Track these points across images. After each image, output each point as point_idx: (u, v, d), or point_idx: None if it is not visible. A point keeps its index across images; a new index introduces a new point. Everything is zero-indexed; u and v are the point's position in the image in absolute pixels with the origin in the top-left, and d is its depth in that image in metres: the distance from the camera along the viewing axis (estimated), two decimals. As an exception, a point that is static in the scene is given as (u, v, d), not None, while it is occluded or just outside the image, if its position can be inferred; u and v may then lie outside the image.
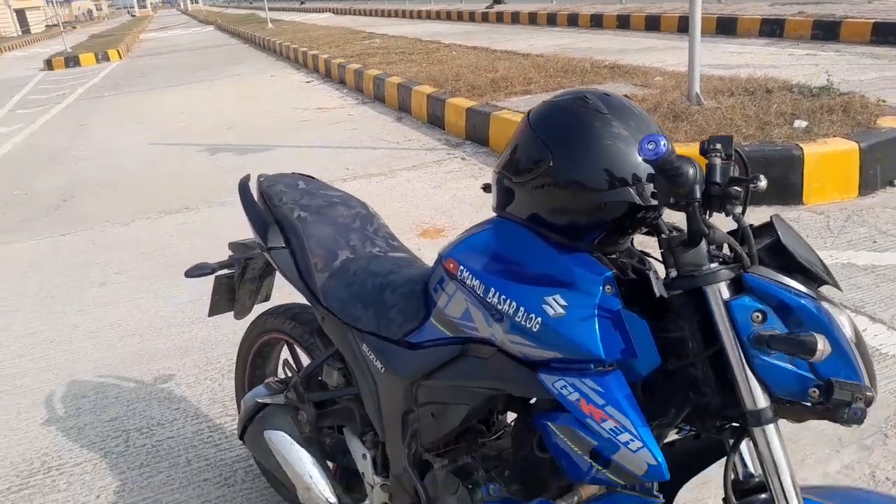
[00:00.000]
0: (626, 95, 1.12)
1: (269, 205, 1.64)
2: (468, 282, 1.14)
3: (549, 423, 1.06)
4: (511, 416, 1.33)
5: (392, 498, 1.47)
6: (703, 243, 0.98)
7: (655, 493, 1.03)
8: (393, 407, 1.37)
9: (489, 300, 1.10)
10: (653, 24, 12.78)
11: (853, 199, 3.82)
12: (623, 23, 13.61)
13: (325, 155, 6.02)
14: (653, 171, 0.96)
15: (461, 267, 1.15)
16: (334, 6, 36.71)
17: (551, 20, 15.88)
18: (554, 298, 1.03)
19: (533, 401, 1.20)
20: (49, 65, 17.94)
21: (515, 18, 17.37)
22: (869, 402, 0.90)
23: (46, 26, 51.04)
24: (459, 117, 6.11)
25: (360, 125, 7.18)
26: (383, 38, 13.93)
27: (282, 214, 1.60)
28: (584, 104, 1.06)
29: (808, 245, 1.03)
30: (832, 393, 0.90)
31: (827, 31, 9.57)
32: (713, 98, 4.82)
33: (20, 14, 43.85)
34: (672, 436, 1.16)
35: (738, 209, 0.95)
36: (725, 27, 11.20)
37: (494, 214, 1.19)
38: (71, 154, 7.24)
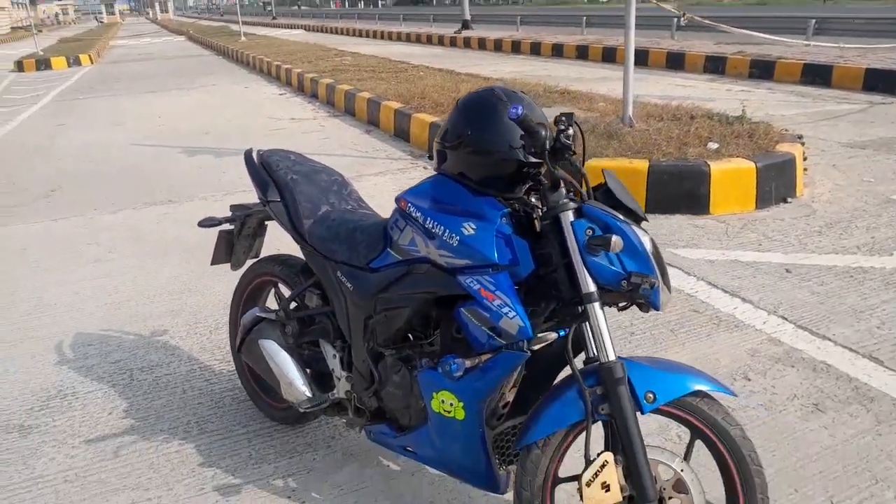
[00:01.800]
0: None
1: (267, 170, 2.18)
2: (414, 214, 1.70)
3: (463, 309, 1.62)
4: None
5: (353, 386, 2.01)
6: (563, 189, 1.55)
7: (525, 349, 1.58)
8: (358, 315, 1.92)
9: (427, 226, 1.66)
10: (609, 55, 13.67)
11: (751, 211, 4.50)
12: (582, 53, 14.50)
13: (297, 160, 6.53)
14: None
15: (409, 205, 1.71)
16: (306, 23, 37.39)
17: (515, 48, 16.74)
18: (468, 224, 1.60)
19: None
20: (20, 66, 18.11)
21: (482, 45, 18.20)
22: (653, 286, 1.48)
23: (11, 28, 50.53)
24: (423, 131, 6.71)
25: (332, 135, 7.73)
26: (355, 56, 14.53)
27: (278, 177, 2.14)
28: (493, 94, 1.64)
29: (630, 194, 1.61)
30: (631, 278, 1.48)
31: (763, 70, 10.51)
32: (644, 121, 5.51)
33: (-15, 15, 43.65)
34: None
35: (578, 163, 1.54)
36: (675, 62, 12.12)
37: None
38: (53, 150, 7.62)
